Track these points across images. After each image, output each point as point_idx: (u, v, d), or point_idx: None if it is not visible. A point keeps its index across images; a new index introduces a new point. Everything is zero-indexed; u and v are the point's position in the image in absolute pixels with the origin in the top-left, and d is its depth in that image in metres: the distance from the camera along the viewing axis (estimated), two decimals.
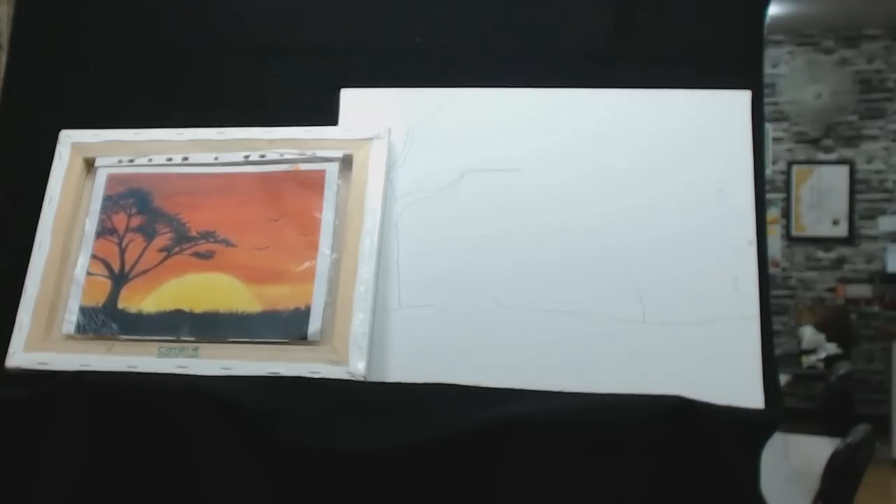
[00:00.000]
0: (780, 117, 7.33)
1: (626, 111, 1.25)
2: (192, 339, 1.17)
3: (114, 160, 1.28)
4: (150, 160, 1.28)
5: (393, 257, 1.22)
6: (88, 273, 1.22)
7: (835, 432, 3.10)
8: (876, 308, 7.10)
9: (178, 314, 1.19)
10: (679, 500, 1.03)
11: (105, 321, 1.19)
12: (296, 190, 1.24)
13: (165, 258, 1.22)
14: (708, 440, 1.03)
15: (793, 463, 3.09)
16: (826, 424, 3.86)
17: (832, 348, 6.18)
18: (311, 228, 1.21)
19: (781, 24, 6.96)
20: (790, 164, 7.39)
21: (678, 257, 1.19)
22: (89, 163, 1.29)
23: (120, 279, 1.22)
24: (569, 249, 1.20)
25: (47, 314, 1.21)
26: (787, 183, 7.38)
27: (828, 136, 7.36)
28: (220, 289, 1.20)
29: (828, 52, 7.35)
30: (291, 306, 1.17)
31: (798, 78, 7.32)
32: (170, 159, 1.28)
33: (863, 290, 7.18)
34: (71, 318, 1.20)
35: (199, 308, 1.19)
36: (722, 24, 1.30)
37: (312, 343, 1.15)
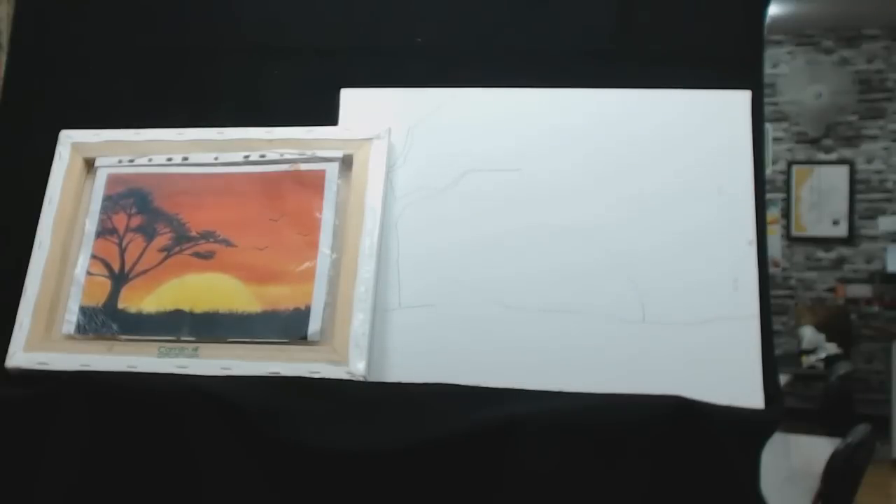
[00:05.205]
0: (780, 117, 7.33)
1: (627, 111, 1.25)
2: (192, 339, 1.17)
3: (114, 160, 1.28)
4: (150, 160, 1.28)
5: (393, 257, 1.22)
6: (88, 273, 1.22)
7: (835, 432, 3.10)
8: (876, 308, 7.10)
9: (177, 314, 1.19)
10: (679, 500, 1.03)
11: (105, 321, 1.19)
12: (296, 190, 1.24)
13: (165, 258, 1.22)
14: (708, 440, 1.03)
15: (793, 463, 3.10)
16: (826, 424, 3.86)
17: (832, 348, 6.18)
18: (311, 228, 1.21)
19: (781, 24, 6.96)
20: (790, 164, 7.39)
21: (678, 257, 1.19)
22: (89, 163, 1.29)
23: (120, 279, 1.22)
24: (568, 249, 1.20)
25: (47, 314, 1.21)
26: (787, 183, 7.38)
27: (828, 136, 7.36)
28: (220, 289, 1.20)
29: (828, 52, 7.35)
30: (291, 306, 1.17)
31: (798, 78, 7.32)
32: (170, 159, 1.28)
33: (863, 290, 7.18)
34: (71, 318, 1.20)
35: (199, 308, 1.19)
36: (722, 24, 1.30)
37: (312, 343, 1.15)
